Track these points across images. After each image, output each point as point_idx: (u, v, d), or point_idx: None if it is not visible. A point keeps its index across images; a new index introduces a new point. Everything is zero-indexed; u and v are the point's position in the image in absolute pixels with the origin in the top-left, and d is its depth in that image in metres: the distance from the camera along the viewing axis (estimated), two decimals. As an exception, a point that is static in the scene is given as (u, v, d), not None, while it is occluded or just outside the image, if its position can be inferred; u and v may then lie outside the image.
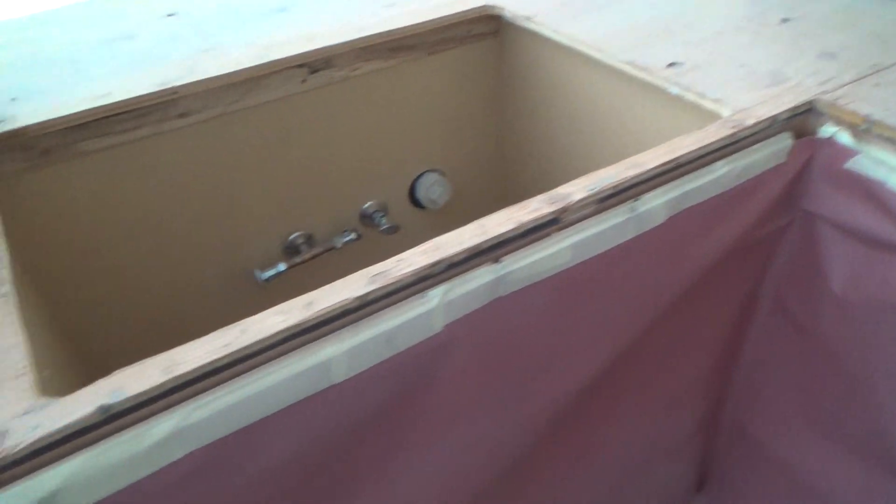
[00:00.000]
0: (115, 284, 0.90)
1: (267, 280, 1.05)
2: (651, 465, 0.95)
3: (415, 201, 1.20)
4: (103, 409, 0.44)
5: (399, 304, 0.53)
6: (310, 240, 1.11)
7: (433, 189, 1.17)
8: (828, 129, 0.71)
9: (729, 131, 0.68)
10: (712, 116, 0.73)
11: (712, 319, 0.82)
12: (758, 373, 0.92)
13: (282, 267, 1.05)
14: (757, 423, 0.95)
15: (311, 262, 1.07)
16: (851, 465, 0.82)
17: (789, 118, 0.71)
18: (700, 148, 0.66)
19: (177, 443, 0.46)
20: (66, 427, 0.43)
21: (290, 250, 1.10)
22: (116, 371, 0.46)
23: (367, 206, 1.15)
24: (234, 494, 0.50)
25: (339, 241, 1.11)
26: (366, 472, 0.58)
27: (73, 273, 0.87)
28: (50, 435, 0.42)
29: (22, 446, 0.42)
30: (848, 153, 0.69)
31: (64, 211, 0.84)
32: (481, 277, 0.56)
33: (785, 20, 0.90)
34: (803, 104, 0.72)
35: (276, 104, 0.95)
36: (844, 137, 0.69)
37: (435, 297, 0.54)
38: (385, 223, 1.13)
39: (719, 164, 0.67)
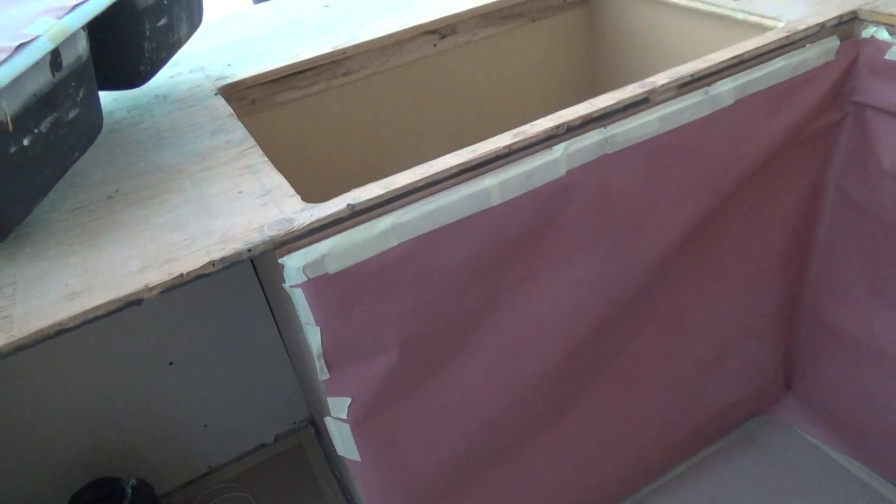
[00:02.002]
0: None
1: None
2: (738, 345, 1.10)
3: (522, 151, 1.42)
4: (350, 206, 0.67)
5: (534, 154, 0.75)
6: (438, 183, 1.35)
7: (538, 138, 1.39)
8: (869, 30, 0.87)
9: (784, 34, 0.86)
10: (772, 30, 0.91)
11: (782, 204, 0.98)
12: (830, 260, 1.06)
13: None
14: (833, 308, 1.09)
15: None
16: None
17: (837, 24, 0.88)
18: (760, 47, 0.84)
19: (393, 234, 0.69)
20: (328, 216, 0.67)
21: (423, 191, 1.34)
22: (353, 189, 0.70)
23: (483, 154, 1.38)
24: (426, 281, 0.72)
25: (462, 182, 1.34)
26: (509, 290, 0.80)
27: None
28: (319, 220, 0.67)
29: (304, 225, 0.66)
30: (886, 47, 0.85)
31: (267, 144, 1.11)
32: (592, 137, 0.77)
33: (838, -40, 1.07)
34: (848, 13, 0.89)
35: (414, 65, 1.20)
36: (883, 34, 0.86)
37: (559, 149, 0.75)
38: (499, 166, 1.35)
39: (776, 60, 0.85)
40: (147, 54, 0.89)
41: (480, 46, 1.24)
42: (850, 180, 0.97)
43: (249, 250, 0.64)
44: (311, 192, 1.19)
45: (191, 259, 0.64)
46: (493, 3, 1.19)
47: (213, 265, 0.63)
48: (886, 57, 0.85)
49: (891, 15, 0.86)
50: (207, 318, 1.27)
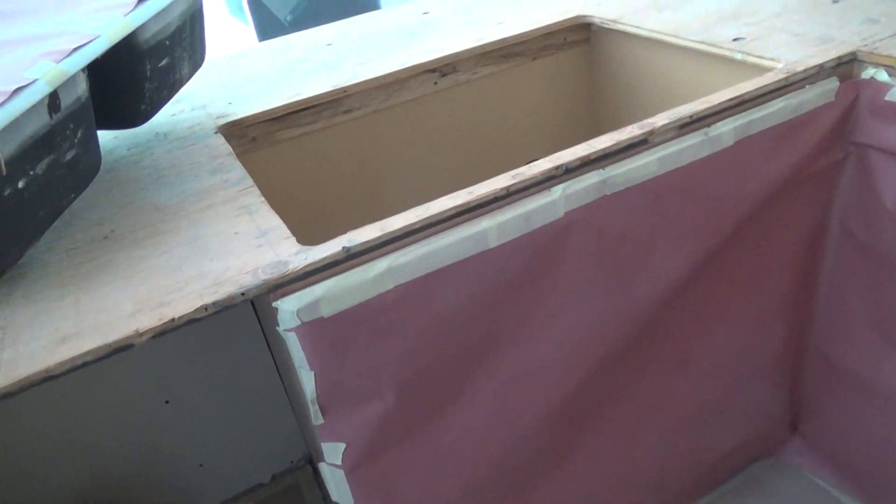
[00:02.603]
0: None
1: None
2: (743, 387, 1.08)
3: (523, 187, 1.41)
4: (345, 249, 0.67)
5: (532, 195, 0.74)
6: (438, 219, 1.34)
7: (539, 175, 1.39)
8: (869, 71, 0.87)
9: (783, 76, 0.86)
10: (770, 71, 0.91)
11: (786, 244, 0.97)
12: (835, 300, 1.05)
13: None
14: (839, 348, 1.08)
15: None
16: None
17: (836, 66, 0.88)
18: (759, 88, 0.84)
19: (389, 276, 0.68)
20: (323, 259, 0.66)
21: (423, 227, 1.34)
22: (349, 231, 0.69)
23: (483, 191, 1.38)
24: (422, 323, 0.71)
25: (463, 218, 1.33)
26: (508, 333, 0.78)
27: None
28: (314, 263, 0.66)
29: (298, 268, 0.65)
30: (886, 88, 0.85)
31: (265, 182, 1.11)
32: (591, 179, 0.76)
33: (835, 1, 1.08)
34: (847, 54, 0.89)
35: (414, 103, 1.20)
36: (883, 75, 0.86)
37: (557, 190, 0.75)
38: (500, 202, 1.35)
39: (776, 101, 0.85)
40: (147, 94, 0.89)
41: (481, 84, 1.25)
42: (854, 219, 0.96)
43: (243, 294, 0.63)
44: (309, 230, 1.18)
45: (183, 303, 0.63)
46: (493, 43, 1.20)
47: (206, 309, 0.62)
48: (887, 98, 0.85)
49: (889, 56, 0.86)
50: (205, 355, 1.26)
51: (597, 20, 1.23)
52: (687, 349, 0.97)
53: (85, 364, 0.59)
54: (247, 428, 1.37)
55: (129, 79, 0.86)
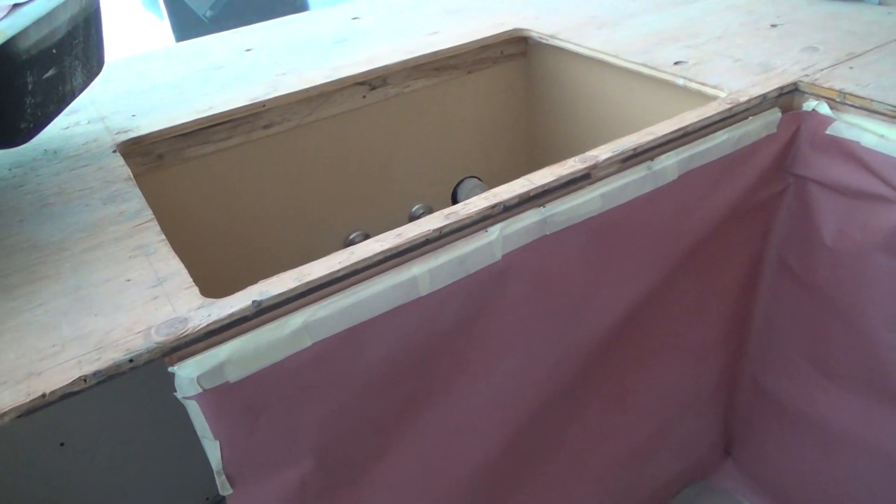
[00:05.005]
0: (210, 266, 1.05)
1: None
2: (679, 420, 1.06)
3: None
4: (255, 303, 0.58)
5: (468, 237, 0.68)
6: (367, 238, 1.26)
7: (473, 193, 1.33)
8: (810, 103, 0.85)
9: (726, 106, 0.82)
10: (713, 99, 0.87)
11: (724, 277, 0.95)
12: (770, 331, 1.04)
13: (345, 260, 1.20)
14: (772, 377, 1.06)
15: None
16: (853, 399, 0.93)
17: (777, 96, 0.86)
18: (703, 119, 0.81)
19: (306, 333, 0.60)
20: (229, 315, 0.58)
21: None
22: (261, 281, 0.61)
23: (415, 209, 1.31)
24: (346, 382, 0.64)
25: (394, 239, 1.26)
26: (441, 385, 0.72)
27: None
28: (219, 320, 0.57)
29: (200, 327, 0.56)
30: (828, 121, 0.83)
31: (173, 204, 1.00)
32: (530, 218, 0.70)
33: (774, 25, 1.06)
34: (789, 84, 0.86)
35: (341, 117, 1.12)
36: (824, 108, 0.84)
37: (494, 231, 0.68)
38: (433, 222, 1.28)
39: (719, 133, 0.82)
40: (29, 111, 0.78)
41: (413, 98, 1.18)
42: (791, 252, 0.95)
43: (131, 360, 0.54)
44: (220, 263, 1.08)
45: (57, 373, 0.53)
46: (426, 55, 1.12)
47: (85, 381, 0.53)
48: (828, 132, 0.83)
49: (831, 89, 0.84)
50: (101, 387, 1.13)
51: (534, 34, 1.18)
52: (626, 386, 0.93)
53: (-72, 455, 0.49)
54: (153, 465, 1.25)
55: (6, 93, 0.75)
